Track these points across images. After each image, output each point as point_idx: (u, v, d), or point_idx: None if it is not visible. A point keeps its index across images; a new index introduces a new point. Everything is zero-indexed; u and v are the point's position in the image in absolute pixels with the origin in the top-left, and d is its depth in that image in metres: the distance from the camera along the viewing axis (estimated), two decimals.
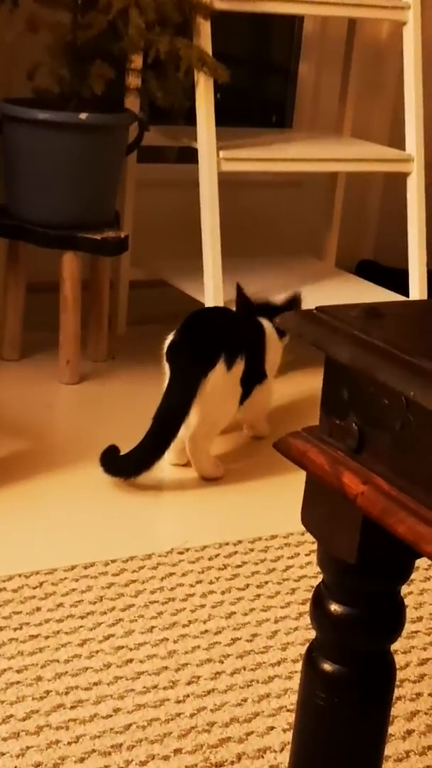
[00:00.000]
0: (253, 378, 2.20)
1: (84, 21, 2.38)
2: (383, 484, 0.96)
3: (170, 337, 2.10)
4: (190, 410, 2.04)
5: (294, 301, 2.31)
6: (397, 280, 2.79)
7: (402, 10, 2.66)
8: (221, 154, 2.46)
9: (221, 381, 2.07)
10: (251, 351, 2.19)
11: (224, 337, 2.11)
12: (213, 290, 2.47)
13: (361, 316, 1.04)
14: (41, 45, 2.42)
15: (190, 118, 2.48)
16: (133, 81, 2.54)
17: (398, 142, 2.76)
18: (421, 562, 1.67)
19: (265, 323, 2.27)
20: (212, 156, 2.45)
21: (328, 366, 1.03)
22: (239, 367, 2.11)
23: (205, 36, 2.42)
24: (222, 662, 1.60)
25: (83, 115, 2.38)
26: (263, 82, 3.54)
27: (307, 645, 1.11)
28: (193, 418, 2.05)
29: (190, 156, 2.54)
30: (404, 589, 1.78)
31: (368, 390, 0.98)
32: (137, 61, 2.51)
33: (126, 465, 2.06)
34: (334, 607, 1.06)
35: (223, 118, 2.51)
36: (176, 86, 2.40)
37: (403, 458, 0.95)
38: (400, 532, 0.93)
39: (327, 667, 1.08)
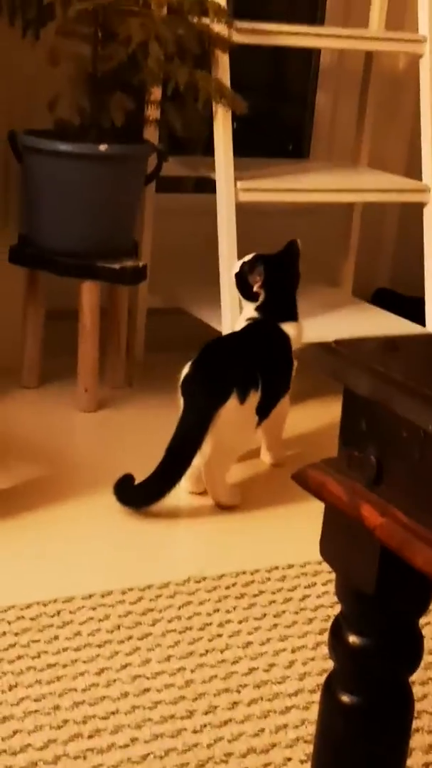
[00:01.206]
0: (277, 393, 2.21)
1: (104, 53, 2.41)
2: (402, 516, 0.97)
3: (185, 370, 2.12)
4: (204, 441, 2.05)
5: (290, 248, 2.35)
6: (414, 309, 2.80)
7: (418, 44, 2.68)
8: (239, 184, 2.48)
9: (234, 414, 2.08)
10: (272, 369, 2.19)
11: (237, 371, 2.12)
12: (230, 318, 2.48)
13: (379, 349, 1.05)
14: (62, 77, 2.45)
15: (209, 149, 2.50)
16: (153, 112, 2.57)
17: (415, 172, 2.77)
18: None
19: (290, 330, 2.26)
20: (230, 187, 2.47)
21: (346, 398, 1.04)
22: (253, 397, 2.12)
23: (223, 68, 2.44)
24: (239, 692, 1.60)
25: (103, 146, 2.41)
26: (281, 112, 3.56)
27: (325, 675, 1.11)
28: (207, 447, 2.07)
29: (207, 185, 2.56)
30: (422, 620, 1.78)
31: (387, 422, 0.99)
32: (156, 92, 2.54)
33: (138, 495, 2.07)
34: (353, 638, 1.06)
35: (241, 147, 2.53)
36: (195, 117, 2.43)
37: (422, 490, 0.96)
38: (419, 564, 0.94)
39: (345, 698, 1.08)
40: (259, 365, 2.17)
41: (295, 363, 2.25)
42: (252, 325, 2.28)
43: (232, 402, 2.08)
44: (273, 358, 2.22)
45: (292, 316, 2.29)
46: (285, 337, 2.25)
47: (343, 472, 1.04)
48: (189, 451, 2.06)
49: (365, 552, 1.01)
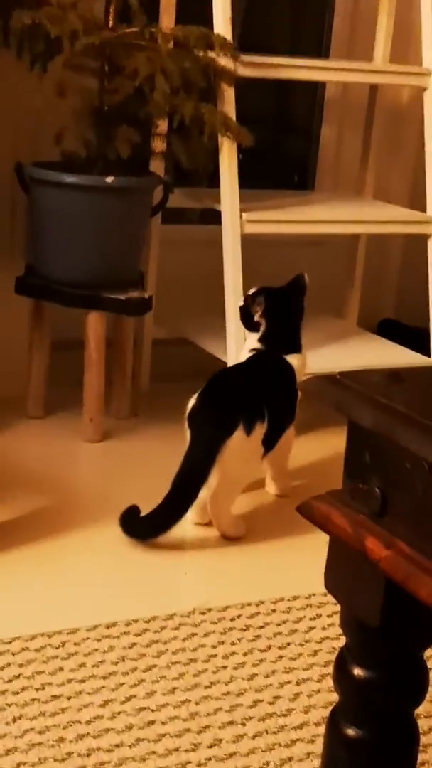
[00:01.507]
0: (282, 424, 2.21)
1: (111, 86, 2.44)
2: (406, 548, 0.97)
3: (192, 402, 2.12)
4: (211, 474, 2.05)
5: (297, 282, 2.37)
6: (419, 339, 2.80)
7: (422, 76, 2.70)
8: (244, 216, 2.50)
9: (241, 445, 2.09)
10: (277, 400, 2.20)
11: (244, 403, 2.13)
12: (235, 349, 2.49)
13: (383, 381, 1.05)
14: (69, 110, 2.47)
15: (214, 180, 2.52)
16: (159, 145, 2.59)
17: (419, 204, 2.78)
18: None
19: (294, 362, 2.28)
20: (235, 218, 2.48)
21: (350, 430, 1.05)
22: (260, 429, 2.13)
23: (229, 101, 2.47)
24: (244, 725, 1.59)
25: (109, 179, 2.42)
26: (286, 144, 3.58)
27: (330, 708, 1.11)
28: (213, 479, 2.07)
29: (213, 216, 2.57)
30: (428, 652, 1.77)
31: (391, 454, 0.99)
32: (162, 125, 2.56)
33: (145, 527, 2.07)
34: (357, 671, 1.06)
35: (246, 178, 2.55)
36: (200, 150, 2.45)
37: (426, 522, 0.96)
38: (423, 596, 0.94)
39: (350, 731, 1.08)
40: (264, 397, 2.17)
41: (300, 394, 2.25)
42: (257, 357, 2.29)
43: (239, 434, 2.08)
44: (278, 389, 2.22)
45: (296, 348, 2.31)
46: (290, 369, 2.26)
47: (348, 504, 1.04)
48: (196, 483, 2.06)
49: (370, 584, 1.01)
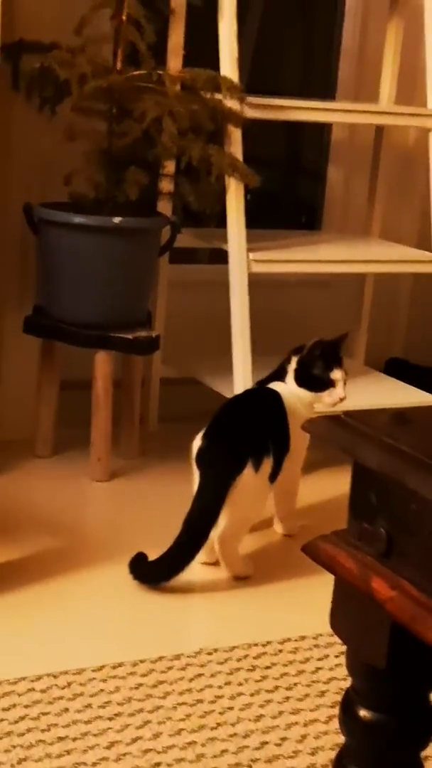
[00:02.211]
0: (281, 457, 2.20)
1: (119, 129, 2.46)
2: (412, 590, 0.97)
3: (198, 440, 2.12)
4: (220, 514, 2.05)
5: (344, 338, 2.35)
6: (427, 379, 2.81)
7: (428, 118, 2.73)
8: (251, 256, 2.51)
9: (250, 483, 2.09)
10: (279, 433, 2.20)
11: (250, 438, 2.13)
12: (243, 388, 2.50)
13: (390, 421, 1.06)
14: (78, 152, 2.50)
15: (222, 221, 2.54)
16: (166, 186, 2.61)
17: (426, 243, 2.80)
18: None
19: (292, 400, 2.25)
20: (242, 258, 2.50)
21: (356, 471, 1.05)
22: (267, 464, 2.13)
23: (236, 143, 2.49)
24: (251, 766, 1.58)
25: (117, 219, 2.45)
26: (294, 185, 3.61)
27: (337, 750, 1.10)
28: (222, 519, 2.07)
29: (221, 256, 2.59)
30: None
31: (397, 495, 0.99)
32: (170, 166, 2.58)
33: (156, 571, 2.06)
34: (364, 713, 1.06)
35: (254, 219, 2.57)
36: (208, 191, 2.47)
37: None
38: (430, 639, 0.93)
39: None
40: (269, 431, 2.18)
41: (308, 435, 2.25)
42: (254, 391, 2.31)
43: (249, 471, 2.08)
44: (279, 422, 2.23)
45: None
46: (278, 398, 2.26)
47: (354, 544, 1.04)
48: (206, 525, 2.06)
49: (376, 626, 1.01)
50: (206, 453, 2.10)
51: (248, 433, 2.15)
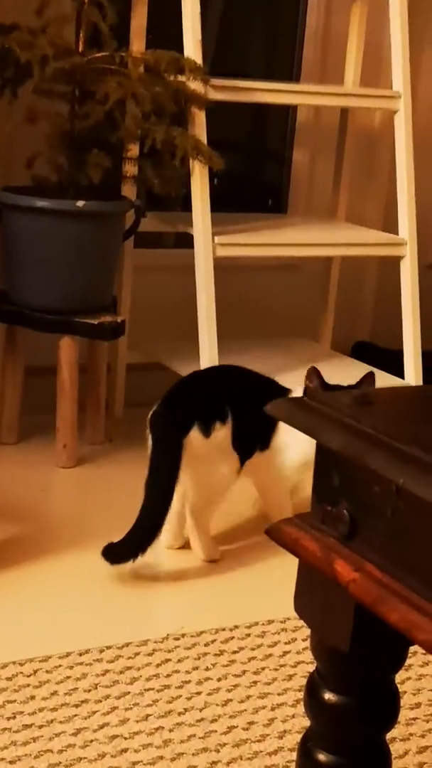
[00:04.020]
0: (251, 441, 2.18)
1: (81, 111, 2.44)
2: (375, 571, 0.97)
3: (154, 407, 2.12)
4: (177, 473, 2.04)
5: (366, 382, 2.19)
6: (394, 362, 2.81)
7: (393, 99, 2.72)
8: (216, 239, 2.50)
9: (200, 447, 2.07)
10: (248, 403, 2.13)
11: (200, 405, 2.12)
12: None
13: (352, 404, 1.05)
14: (40, 135, 2.47)
15: (187, 204, 2.52)
16: (130, 169, 2.59)
17: (391, 226, 2.80)
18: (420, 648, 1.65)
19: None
20: (208, 242, 2.48)
21: (319, 453, 1.04)
22: (220, 432, 2.11)
23: (200, 125, 2.47)
24: (218, 751, 1.58)
25: (80, 203, 2.42)
26: (259, 168, 3.60)
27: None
28: (188, 491, 2.06)
29: (187, 241, 2.57)
30: (402, 675, 1.76)
31: (359, 477, 0.99)
32: (134, 149, 2.56)
33: (126, 548, 2.05)
34: (328, 696, 1.05)
35: (220, 203, 2.55)
36: (172, 174, 2.45)
37: (395, 545, 0.96)
38: (393, 620, 0.93)
39: (322, 756, 1.07)
40: (227, 398, 2.15)
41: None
42: (220, 366, 2.31)
43: (195, 434, 2.07)
44: (249, 393, 2.17)
45: None
46: (275, 386, 2.24)
47: (317, 527, 1.03)
48: (166, 488, 2.04)
49: (339, 608, 1.00)
50: (156, 416, 2.10)
51: (199, 398, 2.14)
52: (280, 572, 2.07)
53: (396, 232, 2.76)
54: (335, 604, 1.01)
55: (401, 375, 2.74)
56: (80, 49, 2.42)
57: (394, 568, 0.95)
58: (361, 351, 3.25)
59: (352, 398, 1.05)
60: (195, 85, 2.44)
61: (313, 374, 2.10)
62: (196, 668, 1.78)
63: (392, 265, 2.78)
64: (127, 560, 2.04)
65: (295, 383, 2.48)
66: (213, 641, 1.87)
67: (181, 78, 2.43)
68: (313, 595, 1.04)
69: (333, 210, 3.07)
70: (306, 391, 1.80)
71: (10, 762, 1.51)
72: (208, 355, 2.49)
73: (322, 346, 3.10)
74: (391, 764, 1.09)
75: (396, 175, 2.74)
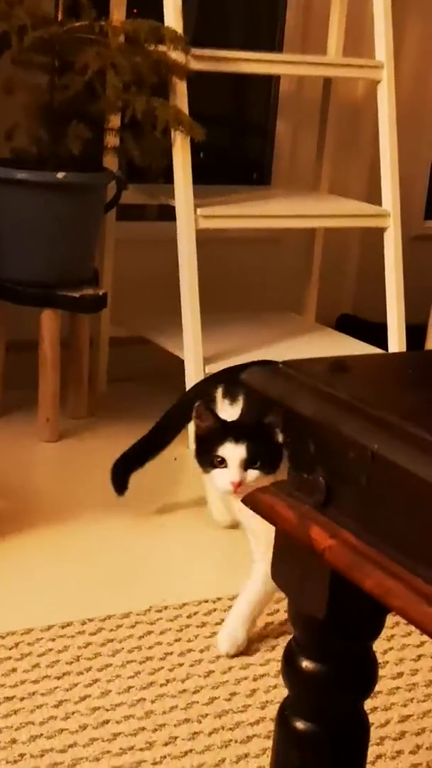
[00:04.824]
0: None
1: (61, 82, 2.41)
2: (351, 538, 0.96)
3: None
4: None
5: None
6: (378, 334, 2.80)
7: (376, 69, 2.70)
8: (198, 211, 2.48)
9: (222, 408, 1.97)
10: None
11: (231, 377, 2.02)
12: (192, 347, 2.48)
13: (327, 370, 1.04)
14: (18, 106, 2.44)
15: (169, 177, 2.50)
16: (111, 140, 2.57)
17: (375, 197, 2.78)
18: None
19: None
20: (190, 214, 2.47)
21: (294, 421, 1.03)
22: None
23: (181, 95, 2.45)
24: (200, 722, 1.58)
25: (60, 175, 2.40)
26: (242, 141, 3.57)
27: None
28: None
29: (170, 214, 2.55)
30: (384, 645, 1.77)
31: (334, 444, 0.98)
32: (114, 120, 2.54)
33: (132, 458, 2.08)
34: (305, 664, 1.05)
35: (203, 176, 2.53)
36: (153, 145, 2.43)
37: (370, 512, 0.95)
38: (368, 587, 0.92)
39: (299, 725, 1.06)
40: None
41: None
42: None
43: (219, 395, 2.00)
44: None
45: None
46: None
47: (293, 495, 1.03)
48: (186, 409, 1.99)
49: (315, 576, 1.00)
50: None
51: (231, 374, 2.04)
52: None
53: (380, 204, 2.74)
54: (311, 572, 1.00)
55: (385, 348, 2.73)
56: (59, 19, 2.39)
57: (370, 535, 0.95)
58: (345, 324, 3.24)
59: (327, 365, 1.04)
60: (176, 55, 2.41)
61: (204, 412, 1.72)
62: (178, 640, 1.78)
63: (376, 236, 2.77)
64: (129, 473, 2.07)
65: (278, 357, 2.46)
66: (195, 613, 1.87)
67: (162, 48, 2.41)
68: (290, 562, 1.04)
69: (316, 182, 3.05)
70: (197, 429, 1.70)
71: None
72: (191, 329, 2.48)
73: (306, 319, 3.09)
74: (369, 732, 1.09)
75: (379, 145, 2.72)
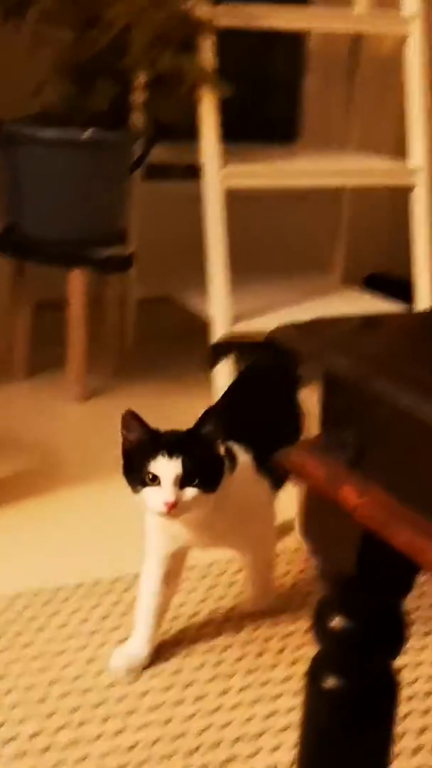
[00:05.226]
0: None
1: (87, 39, 2.39)
2: (381, 496, 0.96)
3: None
4: None
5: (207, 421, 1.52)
6: (407, 292, 2.78)
7: (405, 24, 2.66)
8: (226, 169, 2.46)
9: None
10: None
11: None
12: (219, 306, 2.47)
13: (358, 327, 1.03)
14: (45, 63, 2.43)
15: (196, 135, 2.48)
16: (137, 97, 2.55)
17: (404, 154, 2.75)
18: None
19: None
20: (217, 172, 2.45)
21: (326, 378, 1.03)
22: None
23: (207, 52, 2.42)
24: (231, 677, 1.59)
25: (87, 133, 2.39)
26: (269, 98, 3.54)
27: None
28: None
29: (197, 173, 2.53)
30: (414, 603, 1.77)
31: (365, 401, 0.97)
32: (141, 77, 2.52)
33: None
34: (335, 622, 1.05)
35: (231, 134, 2.51)
36: (180, 103, 2.41)
37: (401, 469, 0.95)
38: (398, 544, 0.92)
39: (329, 682, 1.06)
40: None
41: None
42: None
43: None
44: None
45: None
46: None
47: (323, 453, 1.02)
48: None
49: (346, 533, 1.00)
50: None
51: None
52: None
53: (409, 161, 2.71)
54: (341, 530, 1.00)
55: (413, 306, 2.71)
56: None
57: (400, 492, 0.94)
58: (374, 282, 3.22)
59: (358, 322, 1.04)
60: (202, 11, 2.39)
61: (130, 420, 1.54)
62: (206, 599, 1.79)
63: (405, 193, 2.74)
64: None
65: (306, 316, 2.45)
66: (224, 572, 1.87)
67: (189, 4, 2.38)
68: (320, 520, 1.03)
69: (345, 138, 3.02)
70: (123, 443, 1.52)
71: (25, 689, 1.53)
72: (218, 289, 2.47)
73: (333, 278, 3.07)
74: (398, 690, 1.09)
75: (406, 101, 2.68)
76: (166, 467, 1.45)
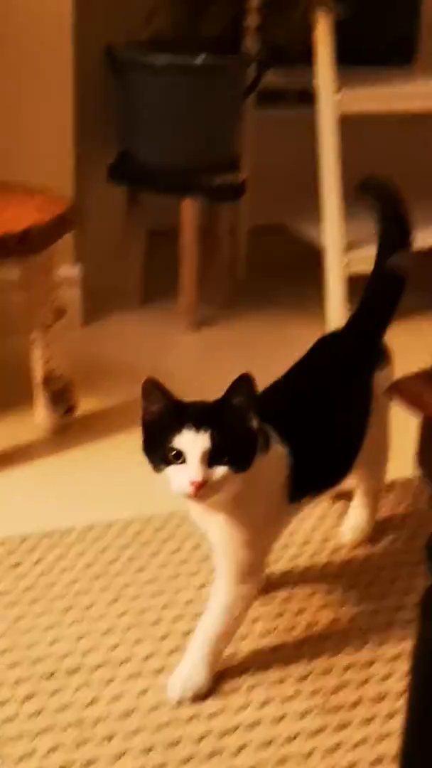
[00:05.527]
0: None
1: None
2: None
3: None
4: None
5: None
6: None
7: None
8: (341, 93, 2.41)
9: None
10: None
11: None
12: (333, 234, 2.43)
13: None
14: None
15: (310, 59, 2.42)
16: (251, 21, 2.50)
17: None
18: None
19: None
20: (331, 96, 2.40)
21: None
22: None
23: None
24: (342, 607, 1.59)
25: (200, 58, 2.35)
26: (387, 19, 3.43)
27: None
28: None
29: (311, 98, 2.48)
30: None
31: None
32: (255, 0, 2.47)
33: None
34: None
35: (347, 57, 2.44)
36: (294, 26, 2.36)
37: None
38: None
39: None
40: None
41: None
42: None
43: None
44: None
45: None
46: None
47: None
48: None
49: None
50: None
51: None
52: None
53: None
54: None
55: None
56: None
57: None
58: None
59: None
60: None
61: (152, 389, 1.36)
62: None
63: None
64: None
65: (422, 245, 2.40)
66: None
67: None
68: None
69: None
70: (144, 414, 1.34)
71: (140, 611, 1.56)
72: (332, 216, 2.43)
73: None
74: None
75: None
76: (193, 442, 1.27)
